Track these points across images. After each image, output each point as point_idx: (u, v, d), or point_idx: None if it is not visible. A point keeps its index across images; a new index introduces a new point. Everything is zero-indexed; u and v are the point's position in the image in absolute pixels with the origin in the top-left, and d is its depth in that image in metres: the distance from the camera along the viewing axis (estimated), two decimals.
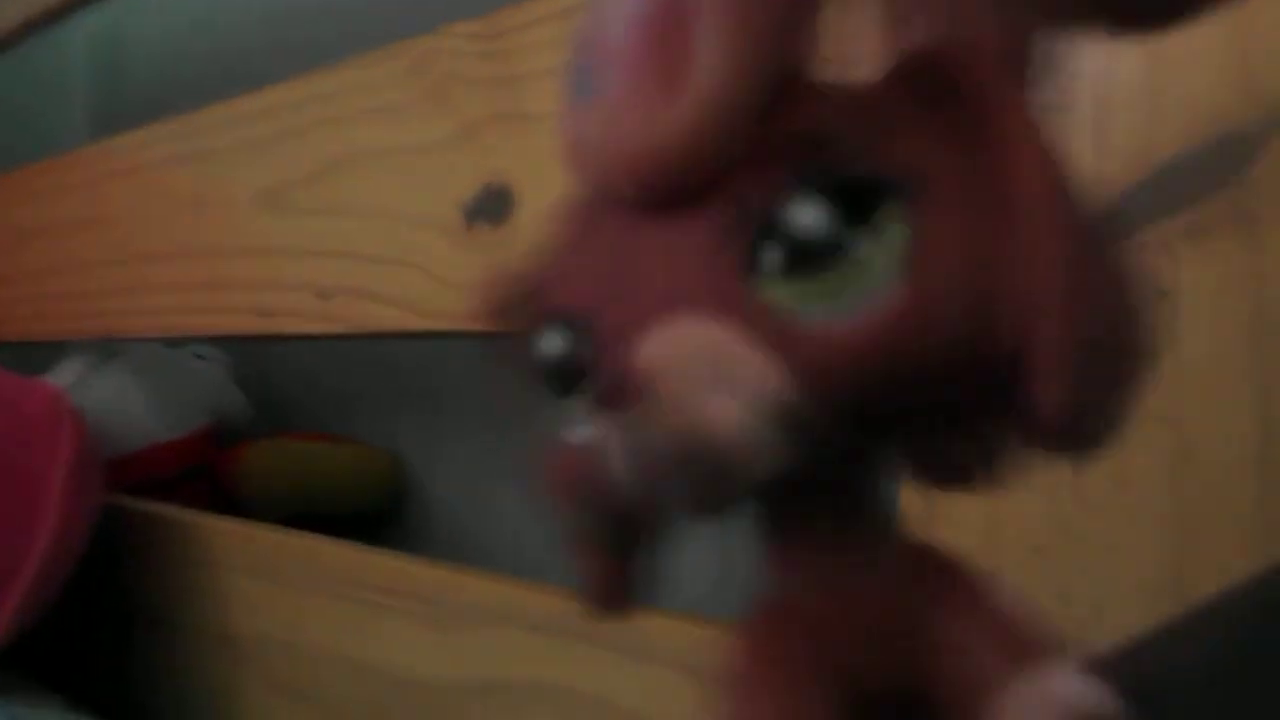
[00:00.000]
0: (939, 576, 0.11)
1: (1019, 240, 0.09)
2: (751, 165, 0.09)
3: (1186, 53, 0.37)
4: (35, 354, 0.65)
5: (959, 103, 0.09)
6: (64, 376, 0.60)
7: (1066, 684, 0.10)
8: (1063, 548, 0.29)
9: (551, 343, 0.10)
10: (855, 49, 0.10)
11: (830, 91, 0.09)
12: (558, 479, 0.11)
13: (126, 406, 0.59)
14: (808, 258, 0.09)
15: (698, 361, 0.09)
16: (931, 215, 0.09)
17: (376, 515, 0.65)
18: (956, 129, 0.09)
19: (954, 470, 0.11)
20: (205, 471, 0.61)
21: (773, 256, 0.09)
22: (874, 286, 0.09)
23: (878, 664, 0.11)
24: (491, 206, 0.41)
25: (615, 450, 0.09)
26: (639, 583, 0.12)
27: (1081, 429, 0.09)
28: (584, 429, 0.10)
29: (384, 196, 0.45)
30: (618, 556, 0.12)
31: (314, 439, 0.65)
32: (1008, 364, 0.09)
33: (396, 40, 0.44)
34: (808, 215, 0.08)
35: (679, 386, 0.09)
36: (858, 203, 0.09)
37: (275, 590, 0.46)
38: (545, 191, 0.39)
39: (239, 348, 0.69)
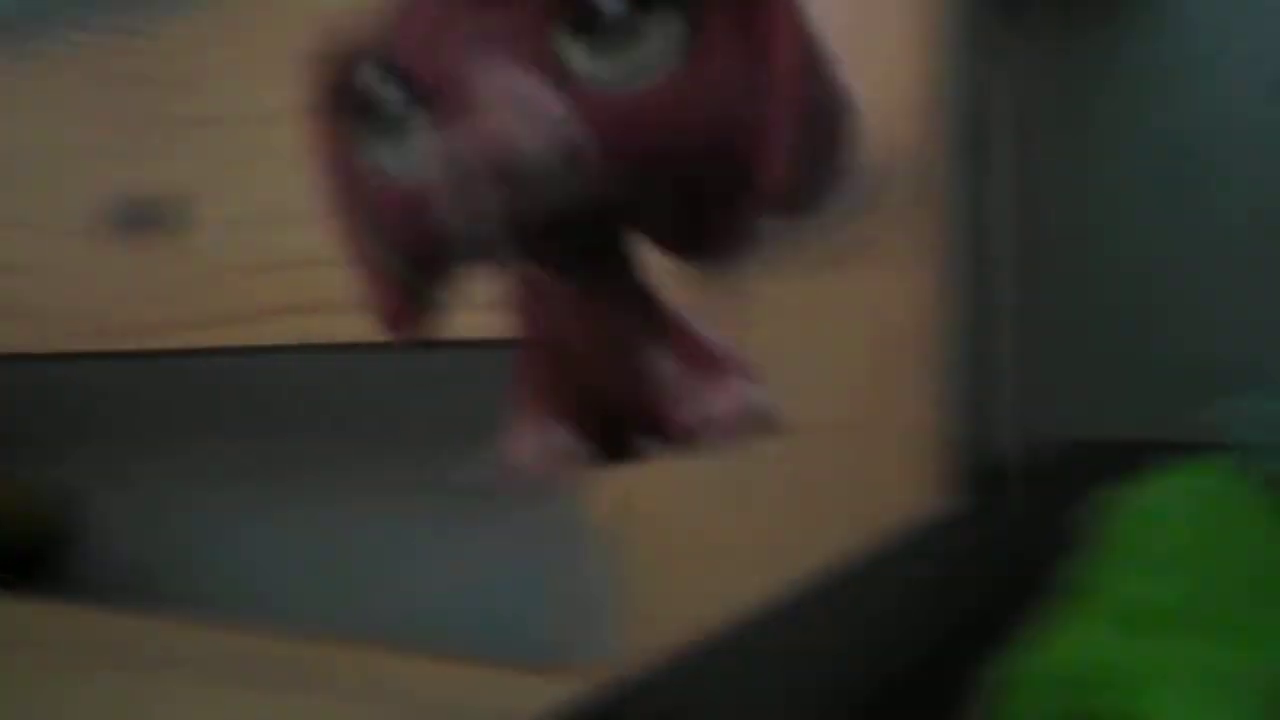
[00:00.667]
0: (658, 316, 0.14)
1: (771, 51, 0.11)
2: None
3: None
4: None
5: None
6: None
7: (741, 385, 0.13)
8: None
9: (380, 87, 0.12)
10: None
11: None
12: (378, 210, 0.12)
13: None
14: (605, 33, 0.11)
15: (511, 99, 0.11)
16: (708, 18, 0.11)
17: (39, 550, 0.60)
18: None
19: (699, 240, 0.13)
20: None
21: (579, 30, 0.11)
22: (655, 65, 0.11)
23: (612, 387, 0.14)
24: (148, 214, 0.38)
25: (437, 166, 0.11)
26: (429, 311, 0.14)
27: (798, 193, 0.12)
28: (406, 159, 0.12)
29: (22, 203, 0.41)
30: (412, 286, 0.13)
31: None
32: (751, 151, 0.11)
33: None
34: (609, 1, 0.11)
35: (495, 117, 0.11)
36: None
37: None
38: (216, 200, 0.37)
39: None
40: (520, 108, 0.11)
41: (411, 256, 0.13)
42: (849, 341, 0.48)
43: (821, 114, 0.12)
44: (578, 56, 0.11)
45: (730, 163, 0.12)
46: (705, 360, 0.14)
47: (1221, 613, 0.13)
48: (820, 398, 0.46)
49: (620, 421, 0.14)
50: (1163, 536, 0.16)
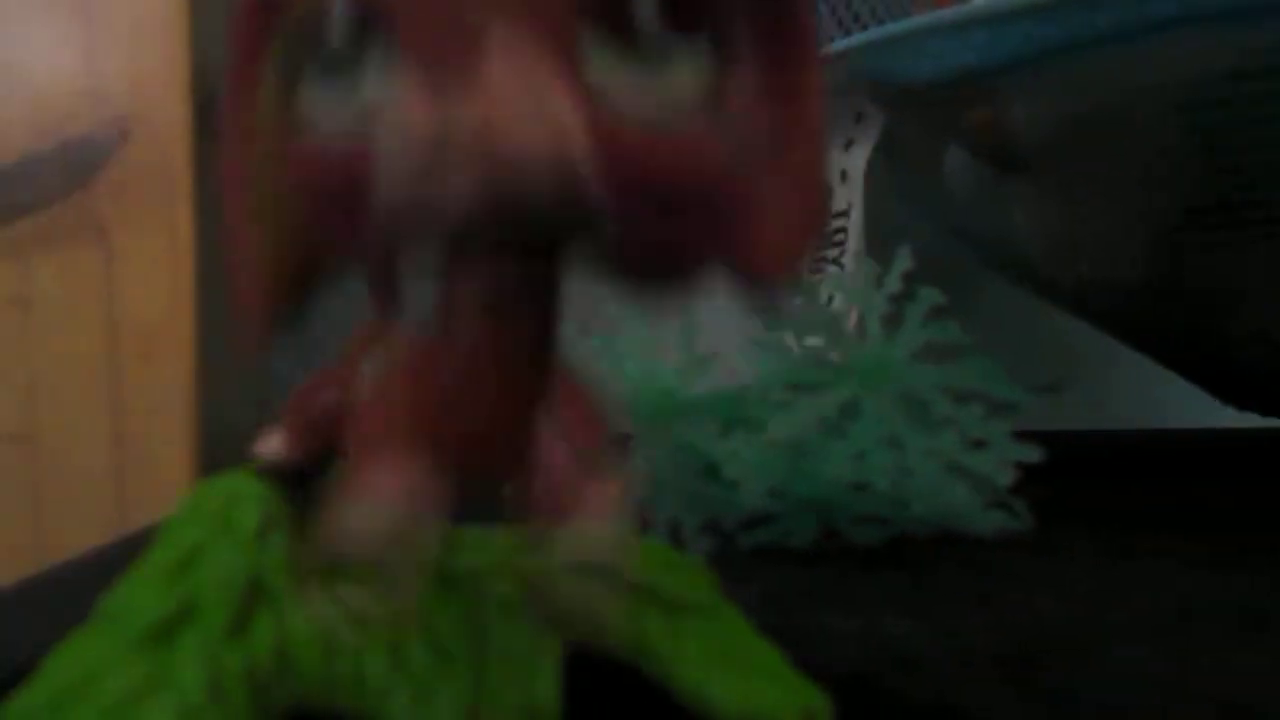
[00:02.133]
0: (557, 364, 0.11)
1: (792, 117, 0.10)
2: None
3: (35, 56, 0.46)
4: None
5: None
6: None
7: (613, 486, 0.11)
8: None
9: (332, 20, 0.10)
10: None
11: None
12: (298, 173, 0.10)
13: None
14: (636, 45, 0.09)
15: (527, 88, 0.08)
16: (738, 65, 0.10)
17: None
18: (764, 18, 0.10)
19: (652, 273, 0.12)
20: None
21: (609, 33, 0.09)
22: (681, 99, 0.10)
23: (493, 433, 0.12)
24: None
25: (395, 129, 0.09)
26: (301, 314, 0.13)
27: (788, 266, 0.11)
28: (353, 115, 0.09)
29: None
30: (295, 278, 0.11)
31: None
32: (737, 204, 0.10)
33: None
34: (646, 7, 0.09)
35: (501, 103, 0.08)
36: (689, 21, 0.10)
37: None
38: None
39: None
40: (534, 103, 0.09)
41: (312, 240, 0.11)
42: (79, 338, 0.48)
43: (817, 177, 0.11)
44: (603, 66, 0.09)
45: (720, 213, 0.10)
46: (583, 437, 0.12)
47: (210, 617, 0.12)
48: (46, 400, 0.47)
49: (488, 471, 0.12)
50: (178, 539, 0.13)
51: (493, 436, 0.11)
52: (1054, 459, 0.23)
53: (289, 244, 0.11)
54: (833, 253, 0.33)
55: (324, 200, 0.10)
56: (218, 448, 0.50)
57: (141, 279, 0.49)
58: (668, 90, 0.10)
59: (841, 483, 0.23)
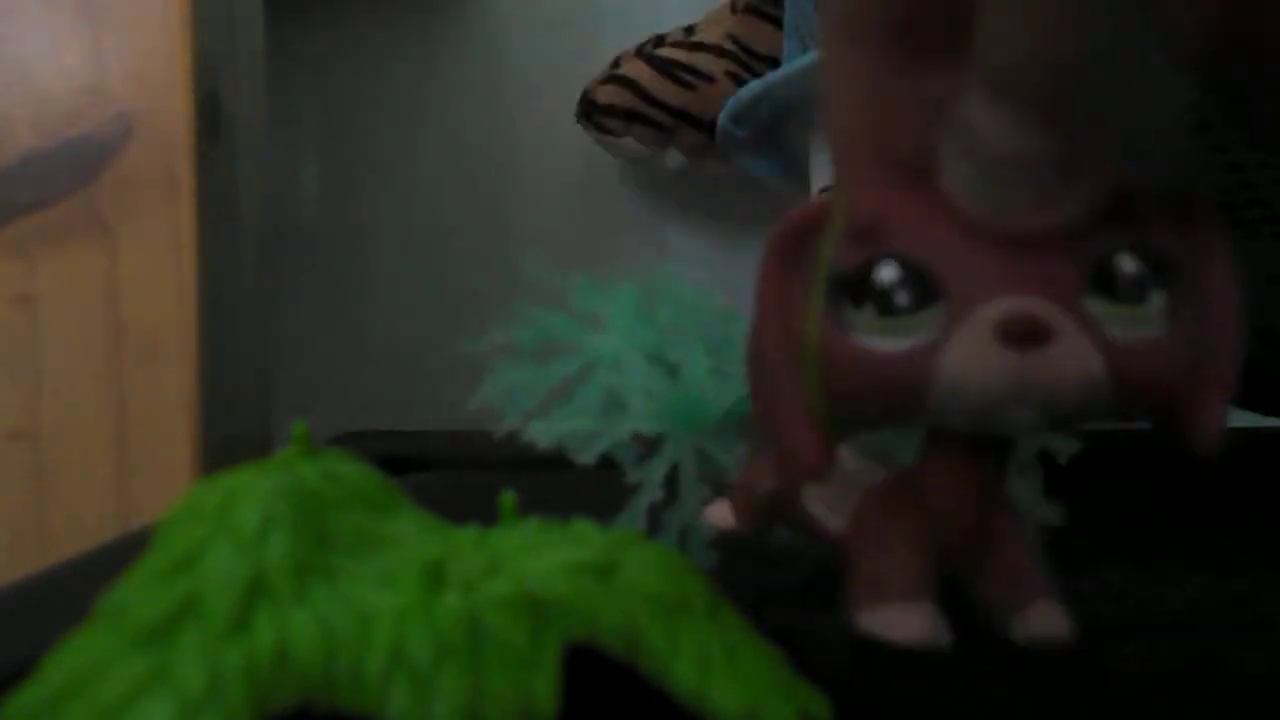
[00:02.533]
0: (1011, 512, 0.16)
1: (1217, 328, 0.14)
2: (1094, 231, 0.13)
3: (38, 54, 0.46)
4: None
5: (1196, 226, 0.15)
6: None
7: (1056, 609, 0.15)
8: None
9: (887, 272, 0.14)
10: None
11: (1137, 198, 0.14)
12: (838, 371, 0.14)
13: None
14: (1124, 293, 0.13)
15: (1071, 339, 0.13)
16: (1179, 294, 0.14)
17: None
18: (1188, 233, 0.14)
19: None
20: None
21: (1100, 285, 0.13)
22: (1153, 322, 0.14)
23: (956, 550, 0.15)
24: None
25: (973, 373, 0.13)
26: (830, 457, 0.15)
27: (1215, 440, 0.15)
28: (899, 340, 0.13)
29: None
30: (834, 437, 0.15)
31: None
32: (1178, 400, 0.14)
33: None
34: (1130, 265, 0.13)
35: (1060, 353, 0.13)
36: (1155, 270, 0.14)
37: None
38: None
39: None
40: (1076, 349, 0.13)
41: (854, 416, 0.15)
42: (82, 336, 0.48)
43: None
44: (1095, 308, 0.13)
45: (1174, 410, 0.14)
46: (1039, 572, 0.16)
47: (210, 615, 0.12)
48: (49, 398, 0.47)
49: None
50: (177, 538, 0.13)
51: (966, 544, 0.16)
52: (1057, 458, 0.23)
53: (823, 409, 0.15)
54: None
55: (862, 388, 0.14)
56: (220, 446, 0.50)
57: (145, 277, 0.50)
58: (1145, 316, 0.13)
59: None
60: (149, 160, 0.49)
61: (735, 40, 0.60)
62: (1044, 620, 0.15)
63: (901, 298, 0.14)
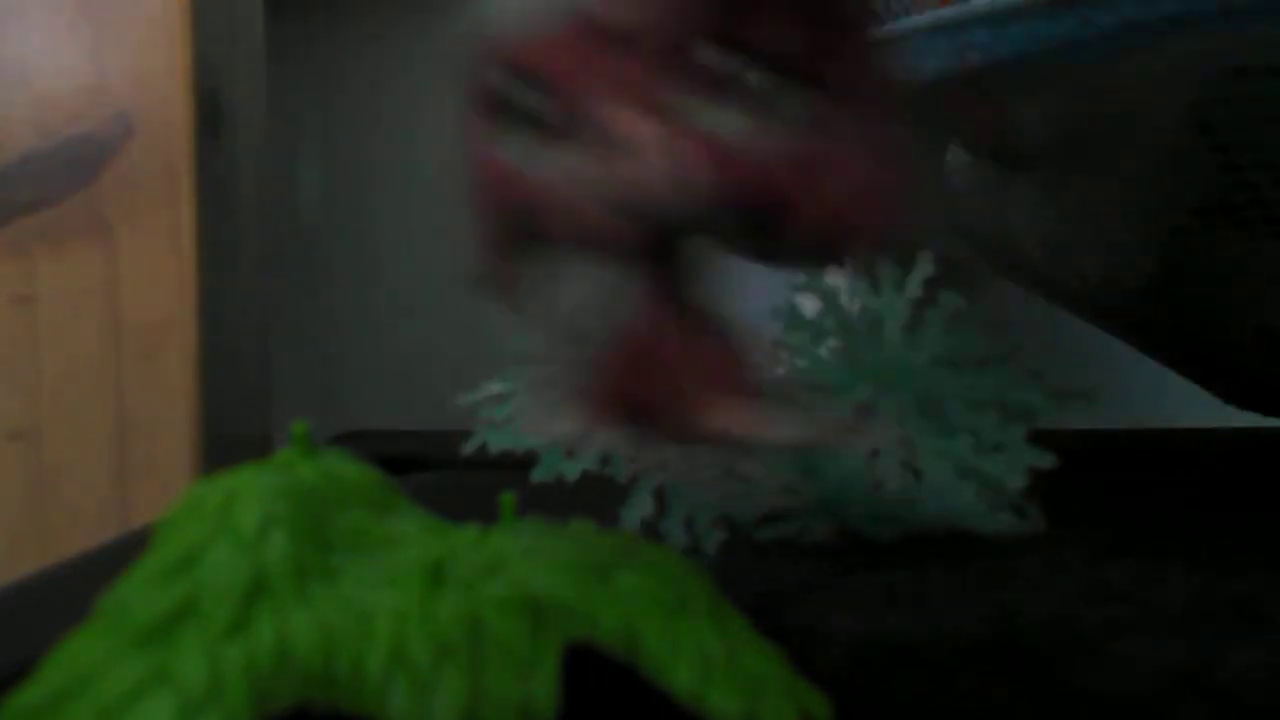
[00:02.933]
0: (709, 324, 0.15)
1: (852, 123, 0.14)
2: (691, 30, 0.13)
3: (38, 54, 0.47)
4: None
5: (828, 24, 0.14)
6: None
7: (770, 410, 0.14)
8: None
9: (521, 89, 0.14)
10: None
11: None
12: (482, 181, 0.14)
13: None
14: (734, 97, 0.13)
15: (651, 143, 0.13)
16: (806, 94, 0.13)
17: None
18: (829, 34, 0.14)
19: (777, 254, 0.15)
20: None
21: (712, 87, 0.13)
22: (769, 127, 0.13)
23: (658, 385, 0.15)
24: None
25: (569, 179, 0.13)
26: (526, 284, 0.15)
27: (865, 239, 0.14)
28: (530, 157, 0.14)
29: None
30: (517, 260, 0.15)
31: None
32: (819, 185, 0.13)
33: None
34: (736, 66, 0.13)
35: (633, 159, 0.13)
36: (769, 73, 0.13)
37: None
38: None
39: None
40: (657, 153, 0.13)
41: (523, 238, 0.15)
42: (83, 336, 0.48)
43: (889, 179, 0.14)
44: (707, 113, 0.13)
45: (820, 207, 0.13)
46: (734, 371, 0.15)
47: (210, 615, 0.12)
48: (49, 398, 0.47)
49: (660, 415, 0.15)
50: (178, 538, 0.13)
51: (652, 394, 0.15)
52: (1062, 457, 0.23)
53: (511, 238, 0.15)
54: None
55: (520, 210, 0.14)
56: (220, 446, 0.50)
57: (145, 276, 0.50)
58: (756, 119, 0.13)
59: (854, 482, 0.23)
60: (149, 160, 0.49)
61: None
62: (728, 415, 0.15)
63: (533, 113, 0.14)
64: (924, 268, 0.25)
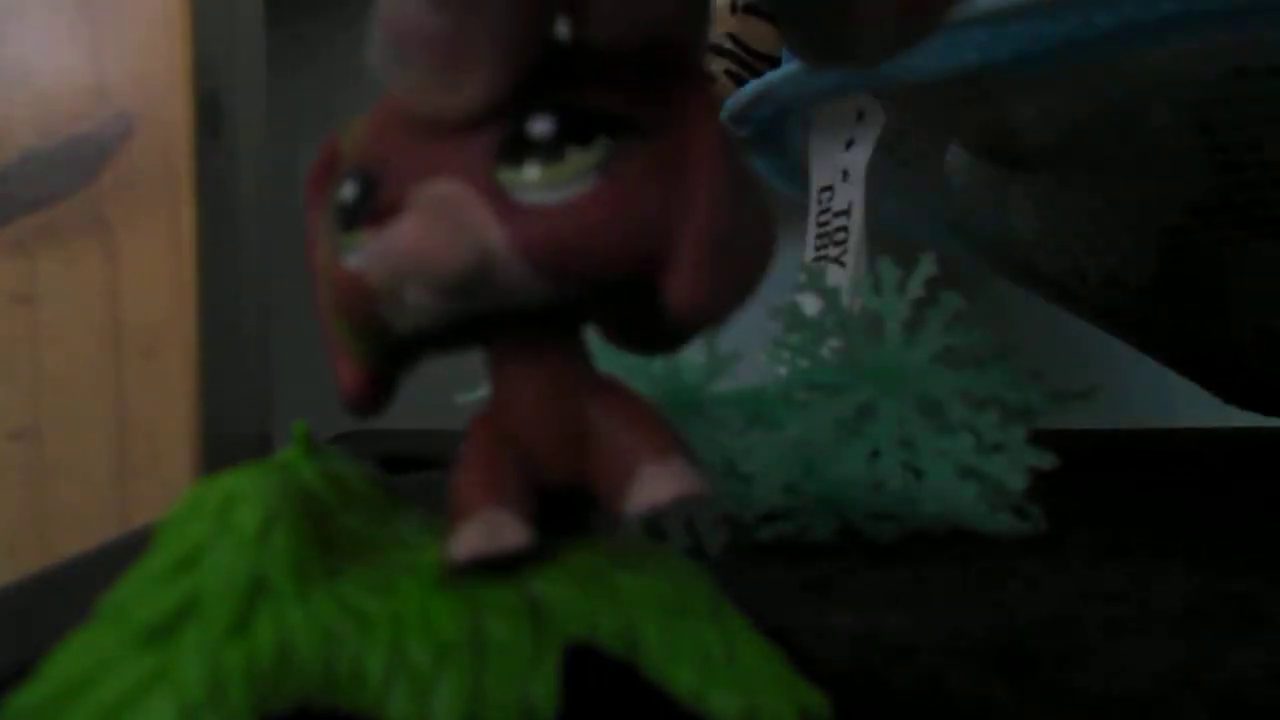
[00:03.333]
0: (609, 395, 0.15)
1: (687, 180, 0.13)
2: (515, 103, 0.13)
3: (38, 53, 0.47)
4: None
5: (667, 77, 0.13)
6: None
7: (681, 465, 0.14)
8: None
9: (348, 189, 0.13)
10: None
11: (574, 57, 0.13)
12: (338, 295, 0.14)
13: None
14: (537, 156, 0.12)
15: (442, 204, 0.12)
16: (626, 148, 0.13)
17: None
18: (659, 95, 0.13)
19: (632, 334, 0.15)
20: None
21: (513, 153, 0.12)
22: (577, 184, 0.12)
23: (558, 460, 0.14)
24: None
25: (373, 263, 0.13)
26: (388, 392, 0.15)
27: (708, 313, 0.13)
28: (358, 254, 0.13)
29: None
30: (375, 366, 0.15)
31: None
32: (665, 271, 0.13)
33: None
34: (539, 125, 0.12)
35: (425, 219, 0.12)
36: (578, 129, 0.13)
37: None
38: None
39: None
40: (441, 216, 0.12)
41: (368, 340, 0.14)
42: (83, 336, 0.48)
43: (738, 240, 0.13)
44: (505, 177, 0.12)
45: (650, 275, 0.13)
46: (648, 437, 0.14)
47: (211, 615, 0.12)
48: (49, 398, 0.47)
49: (561, 498, 0.14)
50: (178, 539, 0.14)
51: (545, 473, 0.14)
52: (1062, 457, 0.23)
53: (358, 342, 0.14)
54: (834, 251, 0.33)
55: (354, 310, 0.14)
56: (220, 446, 0.50)
57: (145, 276, 0.50)
58: (560, 175, 0.12)
59: (855, 481, 0.23)
60: (149, 160, 0.49)
61: (735, 40, 0.59)
62: (643, 489, 0.14)
63: (352, 212, 0.13)
64: (925, 268, 0.25)
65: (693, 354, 0.24)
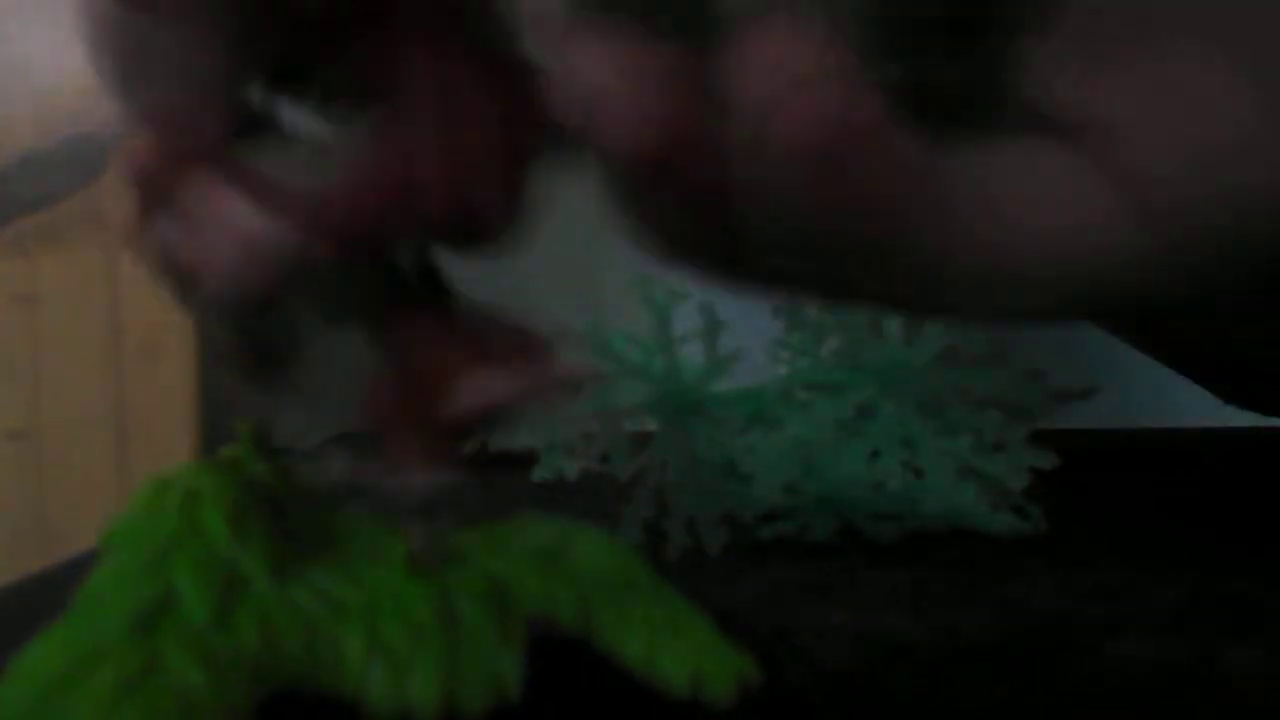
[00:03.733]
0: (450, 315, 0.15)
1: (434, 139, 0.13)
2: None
3: (39, 54, 0.47)
4: None
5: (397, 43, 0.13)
6: None
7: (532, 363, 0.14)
8: None
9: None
10: None
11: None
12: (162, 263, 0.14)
13: None
14: (286, 142, 0.13)
15: (210, 209, 0.13)
16: (383, 123, 0.13)
17: None
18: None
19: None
20: None
21: (265, 146, 0.13)
22: (305, 168, 0.13)
23: (423, 395, 0.14)
24: None
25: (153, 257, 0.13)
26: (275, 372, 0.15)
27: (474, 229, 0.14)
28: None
29: None
30: (247, 346, 0.15)
31: None
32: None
33: None
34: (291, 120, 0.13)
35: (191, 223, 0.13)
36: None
37: None
38: None
39: None
40: (217, 217, 0.13)
41: (235, 321, 0.15)
42: (84, 335, 0.48)
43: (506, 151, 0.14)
44: (266, 164, 0.13)
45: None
46: (490, 344, 0.14)
47: (190, 609, 0.13)
48: (50, 397, 0.48)
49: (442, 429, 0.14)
50: (143, 540, 0.14)
51: (422, 409, 0.14)
52: (1062, 457, 0.23)
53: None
54: None
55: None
56: (220, 444, 0.50)
57: (145, 276, 0.50)
58: (325, 160, 0.13)
59: (856, 480, 0.24)
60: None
61: None
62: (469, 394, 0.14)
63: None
64: None
65: (693, 354, 0.24)
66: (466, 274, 0.17)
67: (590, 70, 0.11)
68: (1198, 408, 0.42)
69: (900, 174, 0.10)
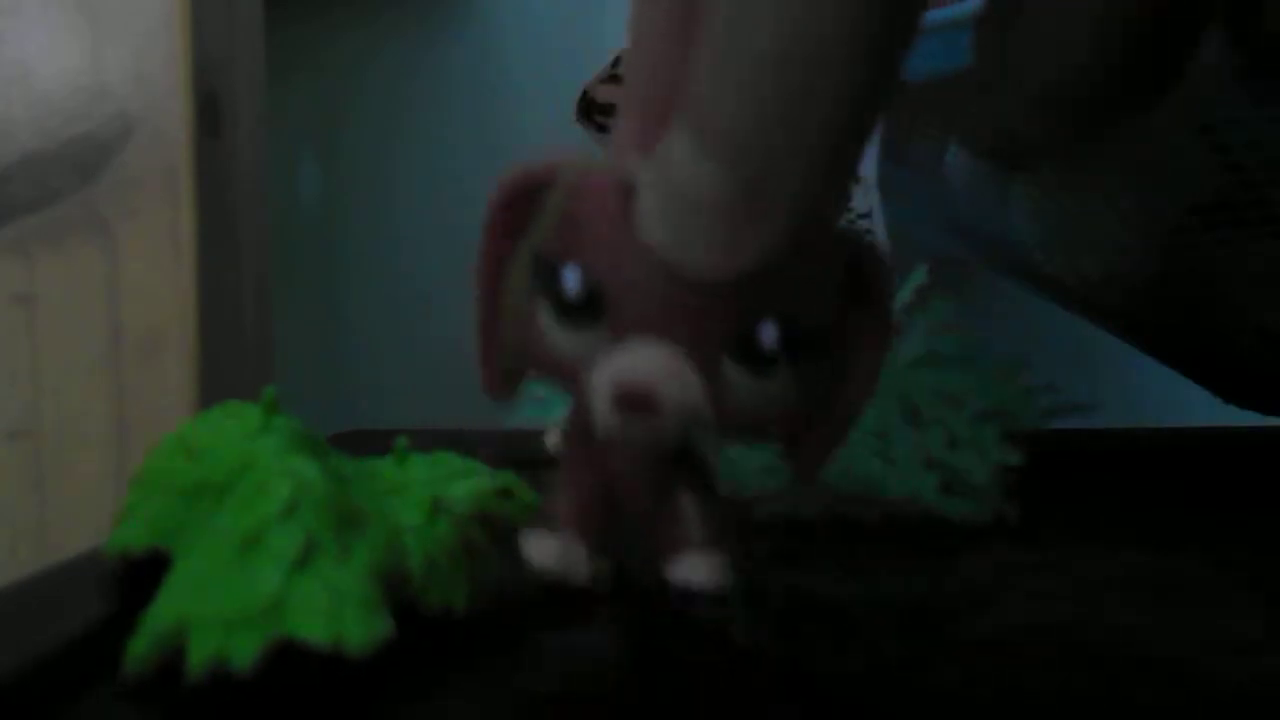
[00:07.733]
0: (692, 479, 0.19)
1: (847, 391, 0.17)
2: (752, 293, 0.15)
3: (38, 54, 0.48)
4: None
5: (863, 292, 0.16)
6: None
7: (717, 562, 0.18)
8: None
9: (570, 279, 0.15)
10: None
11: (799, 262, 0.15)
12: (533, 354, 0.17)
13: None
14: (755, 364, 0.15)
15: (674, 368, 0.15)
16: (818, 363, 0.16)
17: None
18: (851, 308, 0.16)
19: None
20: None
21: (739, 351, 0.15)
22: (771, 384, 0.16)
23: (635, 506, 0.19)
24: None
25: (594, 370, 0.16)
26: (518, 388, 0.19)
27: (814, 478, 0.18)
28: (571, 340, 0.16)
29: None
30: (513, 376, 0.18)
31: None
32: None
33: None
34: (766, 336, 0.15)
35: (660, 378, 0.15)
36: (791, 347, 0.15)
37: None
38: None
39: None
40: (673, 377, 0.15)
41: (519, 369, 0.18)
42: (82, 336, 0.49)
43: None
44: (728, 372, 0.16)
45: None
46: (705, 529, 0.18)
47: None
48: (49, 398, 0.48)
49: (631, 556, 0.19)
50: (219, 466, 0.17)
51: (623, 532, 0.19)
52: (1060, 457, 0.24)
53: (511, 359, 0.18)
54: None
55: (534, 363, 0.17)
56: None
57: (144, 277, 0.50)
58: (766, 388, 0.16)
59: (831, 467, 0.25)
60: (149, 160, 0.49)
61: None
62: (690, 568, 0.18)
63: (573, 307, 0.16)
64: (917, 276, 0.26)
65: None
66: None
67: None
68: (1197, 408, 0.41)
69: None
